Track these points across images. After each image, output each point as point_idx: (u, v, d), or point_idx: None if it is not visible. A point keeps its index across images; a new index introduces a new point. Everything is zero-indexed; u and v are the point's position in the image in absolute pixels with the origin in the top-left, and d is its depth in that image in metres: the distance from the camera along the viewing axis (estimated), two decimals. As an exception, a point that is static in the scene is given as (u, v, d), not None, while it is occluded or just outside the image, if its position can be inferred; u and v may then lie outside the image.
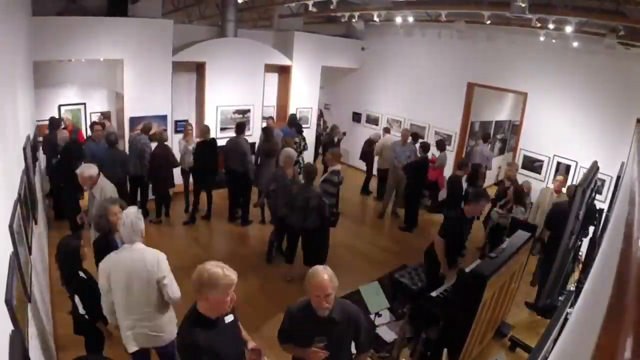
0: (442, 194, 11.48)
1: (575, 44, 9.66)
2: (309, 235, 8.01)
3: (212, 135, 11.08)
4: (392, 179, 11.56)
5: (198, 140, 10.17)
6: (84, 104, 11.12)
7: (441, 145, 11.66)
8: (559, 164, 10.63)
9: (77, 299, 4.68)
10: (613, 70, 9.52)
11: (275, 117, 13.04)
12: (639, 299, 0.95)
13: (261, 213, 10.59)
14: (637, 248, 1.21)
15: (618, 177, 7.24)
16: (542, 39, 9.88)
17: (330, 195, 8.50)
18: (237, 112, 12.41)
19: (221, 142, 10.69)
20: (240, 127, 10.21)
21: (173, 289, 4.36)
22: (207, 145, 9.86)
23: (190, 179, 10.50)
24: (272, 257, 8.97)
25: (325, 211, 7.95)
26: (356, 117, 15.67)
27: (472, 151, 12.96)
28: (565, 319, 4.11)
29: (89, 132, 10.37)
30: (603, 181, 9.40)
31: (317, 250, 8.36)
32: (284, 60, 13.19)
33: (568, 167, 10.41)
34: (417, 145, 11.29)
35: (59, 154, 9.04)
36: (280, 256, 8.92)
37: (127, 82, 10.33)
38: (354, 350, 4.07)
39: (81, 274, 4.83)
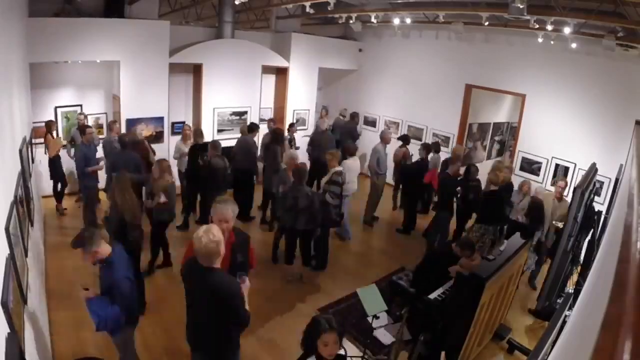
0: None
1: (573, 46, 9.61)
2: (305, 236, 8.03)
3: (209, 137, 11.14)
4: (374, 186, 11.17)
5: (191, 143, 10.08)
6: (81, 105, 11.06)
7: (436, 147, 11.60)
8: (557, 166, 10.59)
9: None
10: (612, 72, 9.49)
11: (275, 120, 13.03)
12: (637, 301, 0.95)
13: (262, 214, 10.61)
14: (636, 250, 1.21)
15: (617, 179, 7.24)
16: (540, 40, 9.83)
17: (337, 196, 8.54)
18: (234, 113, 12.41)
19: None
20: (252, 128, 10.68)
21: None
22: (200, 149, 9.74)
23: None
24: (277, 258, 8.89)
25: (318, 213, 7.95)
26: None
27: (469, 154, 13.00)
28: (564, 322, 4.10)
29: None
30: (602, 183, 9.37)
31: (316, 252, 8.41)
32: (281, 62, 13.17)
33: (566, 169, 10.38)
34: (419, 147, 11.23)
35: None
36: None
37: (123, 83, 10.33)
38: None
39: None
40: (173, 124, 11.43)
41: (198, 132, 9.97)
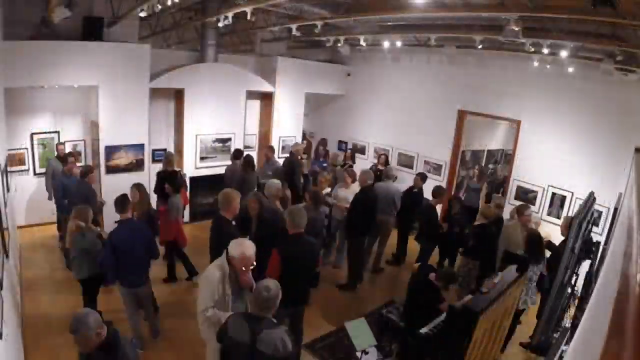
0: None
1: (570, 70, 9.50)
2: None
3: (191, 165, 11.15)
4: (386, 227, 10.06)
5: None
6: (58, 132, 10.77)
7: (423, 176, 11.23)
8: (553, 195, 10.35)
9: None
10: (610, 97, 9.31)
11: (257, 146, 12.79)
12: (636, 335, 0.94)
13: None
14: (635, 283, 1.19)
15: (616, 209, 7.01)
16: (536, 64, 9.83)
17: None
18: (218, 140, 12.09)
19: (203, 172, 11.31)
20: (236, 155, 10.57)
21: None
22: (167, 178, 8.97)
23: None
24: None
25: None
26: (342, 145, 15.39)
27: (462, 182, 12.75)
28: (561, 357, 3.93)
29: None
30: (600, 213, 9.14)
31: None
32: (266, 87, 12.93)
33: (563, 198, 10.14)
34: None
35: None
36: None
37: (102, 109, 10.01)
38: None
39: None
40: (154, 151, 11.11)
41: (169, 158, 9.44)
